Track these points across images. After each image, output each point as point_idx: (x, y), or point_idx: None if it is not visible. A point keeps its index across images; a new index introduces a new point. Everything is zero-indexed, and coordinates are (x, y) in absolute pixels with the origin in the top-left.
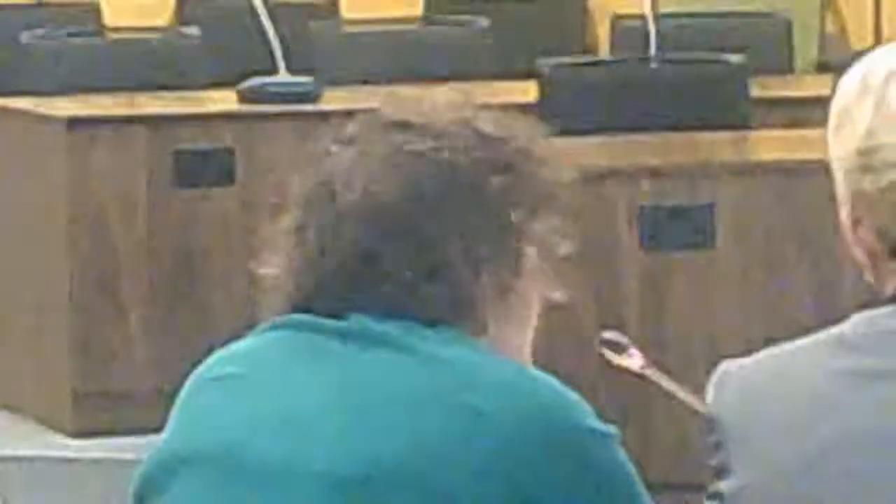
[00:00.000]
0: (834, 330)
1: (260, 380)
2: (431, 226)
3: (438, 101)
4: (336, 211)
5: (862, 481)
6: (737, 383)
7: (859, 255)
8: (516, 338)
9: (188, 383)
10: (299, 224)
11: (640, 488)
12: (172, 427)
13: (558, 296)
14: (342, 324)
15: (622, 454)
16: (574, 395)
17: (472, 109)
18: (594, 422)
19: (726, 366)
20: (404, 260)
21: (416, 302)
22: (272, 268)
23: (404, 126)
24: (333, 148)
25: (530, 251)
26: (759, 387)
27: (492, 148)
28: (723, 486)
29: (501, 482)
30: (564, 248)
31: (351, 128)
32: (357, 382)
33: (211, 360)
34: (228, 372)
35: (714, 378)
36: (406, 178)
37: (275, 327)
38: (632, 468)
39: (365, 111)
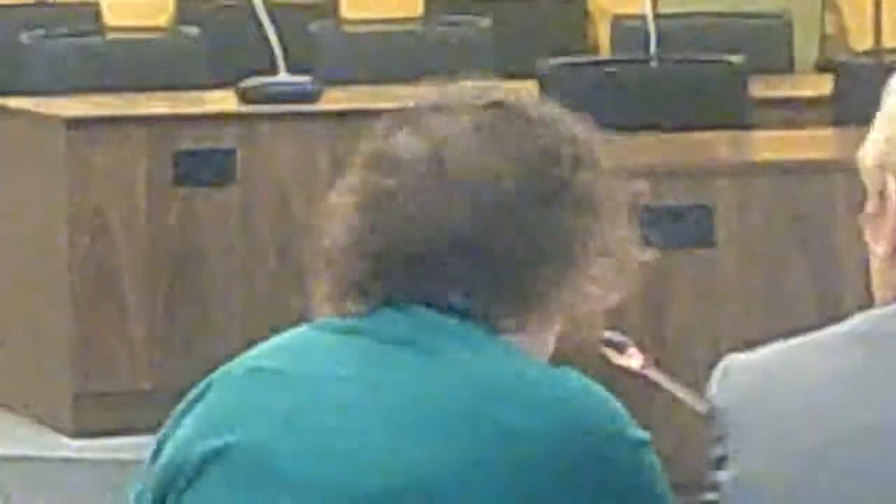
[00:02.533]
0: (841, 326)
1: (294, 380)
2: (531, 214)
3: (510, 90)
4: (444, 180)
5: (861, 477)
6: (741, 376)
7: (880, 248)
8: (552, 331)
9: (220, 373)
10: (379, 189)
11: (670, 497)
12: (203, 417)
13: (619, 301)
14: (376, 325)
15: (656, 462)
16: (609, 400)
17: (543, 101)
18: (630, 430)
19: (731, 358)
20: (504, 243)
21: (461, 288)
22: (331, 236)
23: (499, 105)
24: (423, 116)
25: (595, 255)
26: (762, 380)
27: (576, 143)
28: (721, 476)
29: (533, 494)
30: (633, 253)
31: (436, 101)
32: (387, 392)
33: (248, 353)
34: (264, 365)
35: (718, 370)
36: (517, 160)
37: (312, 328)
38: (663, 477)
39: (442, 91)
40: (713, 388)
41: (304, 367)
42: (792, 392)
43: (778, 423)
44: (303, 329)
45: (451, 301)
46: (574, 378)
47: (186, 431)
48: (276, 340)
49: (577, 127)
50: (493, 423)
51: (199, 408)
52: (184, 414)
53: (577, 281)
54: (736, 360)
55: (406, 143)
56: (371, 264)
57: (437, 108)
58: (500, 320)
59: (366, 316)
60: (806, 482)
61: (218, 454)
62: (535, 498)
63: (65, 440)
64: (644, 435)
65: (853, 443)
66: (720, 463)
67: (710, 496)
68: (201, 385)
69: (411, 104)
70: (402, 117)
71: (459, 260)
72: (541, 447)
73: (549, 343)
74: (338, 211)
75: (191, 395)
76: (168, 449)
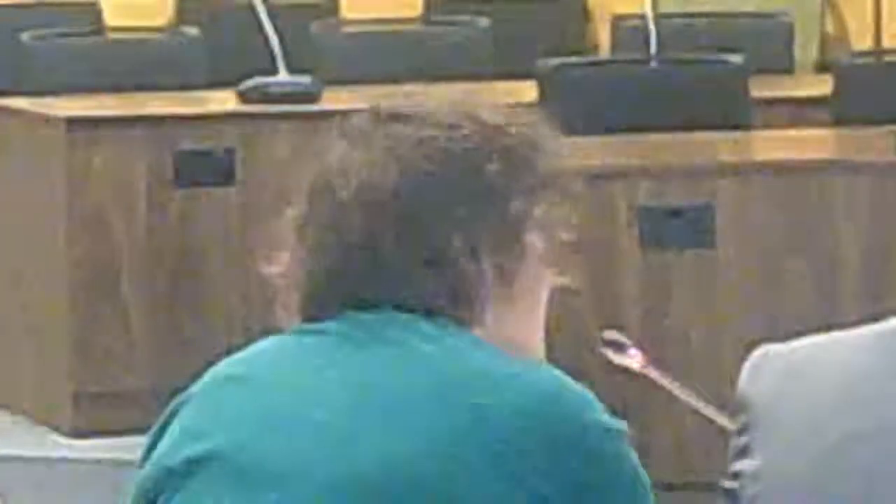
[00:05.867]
0: (880, 325)
1: (268, 383)
2: (428, 213)
3: (438, 94)
4: (334, 204)
5: (882, 473)
6: (772, 367)
7: None
8: (523, 327)
9: (198, 383)
10: (301, 219)
11: (647, 487)
12: (182, 427)
13: (564, 282)
14: (342, 326)
15: (629, 451)
16: (580, 389)
17: (473, 101)
18: (601, 416)
19: (765, 349)
20: (401, 249)
21: (414, 292)
22: (281, 265)
23: (402, 117)
24: (334, 142)
25: (533, 238)
26: (792, 372)
27: (490, 135)
28: (743, 465)
29: (507, 481)
30: (567, 234)
31: (351, 121)
32: (360, 386)
33: (222, 363)
34: (238, 373)
35: (750, 360)
36: (401, 166)
37: (284, 334)
38: (639, 466)
39: (366, 107)
40: (744, 377)
41: (278, 370)
42: (819, 386)
43: (803, 416)
44: (274, 337)
45: (405, 301)
46: (544, 366)
47: (170, 440)
48: (249, 350)
49: (496, 121)
50: (465, 405)
51: (180, 417)
52: (166, 423)
53: (519, 273)
54: (769, 350)
55: (318, 172)
56: (315, 286)
57: (347, 134)
58: (455, 314)
59: (333, 319)
60: (827, 476)
61: (202, 459)
62: (510, 475)
63: (65, 440)
64: (619, 424)
65: (875, 438)
66: (742, 452)
67: (730, 485)
68: (181, 397)
69: (333, 130)
70: (326, 146)
71: (370, 268)
72: (513, 425)
73: (523, 329)
74: (284, 238)
75: (172, 406)
76: (153, 457)
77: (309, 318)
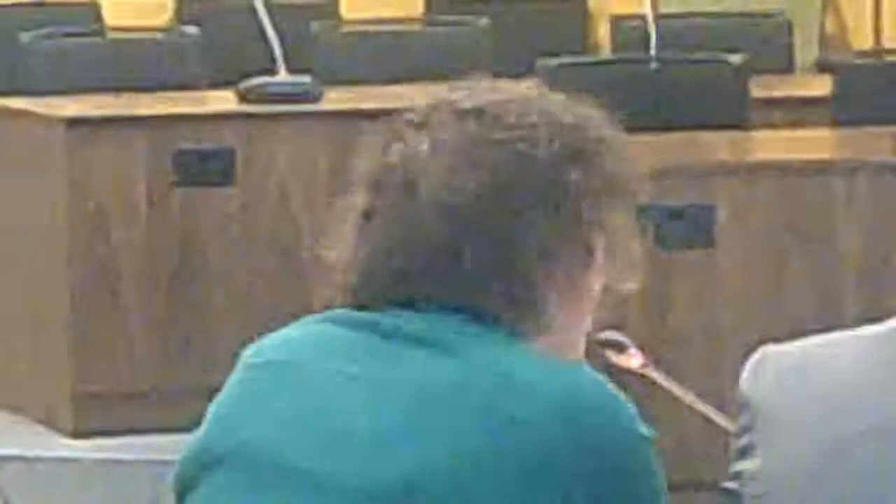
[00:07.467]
0: (880, 325)
1: (300, 377)
2: (511, 221)
3: (510, 89)
4: (416, 202)
5: (881, 473)
6: (775, 367)
7: None
8: (578, 331)
9: (246, 357)
10: (367, 209)
11: (665, 497)
12: (221, 410)
13: (629, 287)
14: (388, 322)
15: (656, 463)
16: (615, 398)
17: (544, 97)
18: (636, 425)
19: (765, 349)
20: (482, 256)
21: (484, 299)
22: (334, 251)
23: (479, 114)
24: (405, 131)
25: (600, 242)
26: (796, 372)
27: (567, 137)
28: (744, 465)
29: (540, 492)
30: (635, 239)
31: (422, 112)
32: (397, 388)
33: (272, 338)
34: (282, 358)
35: (752, 360)
36: (488, 171)
37: (325, 320)
38: (662, 479)
39: (435, 98)
40: (744, 377)
41: (321, 364)
42: (819, 386)
43: (803, 417)
44: (319, 320)
45: (459, 305)
46: (584, 373)
47: (207, 425)
48: (293, 330)
49: (570, 120)
50: (501, 415)
51: (224, 394)
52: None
53: (585, 278)
54: (770, 351)
55: (389, 163)
56: (369, 279)
57: (418, 125)
58: (516, 321)
59: (383, 311)
60: (827, 476)
61: (221, 459)
62: (543, 487)
63: (65, 440)
64: (649, 433)
65: (875, 438)
66: (744, 452)
67: (731, 485)
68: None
69: (400, 117)
70: (391, 134)
71: (450, 272)
72: (548, 438)
73: (582, 331)
74: (338, 228)
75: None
76: (194, 438)
77: (359, 304)
